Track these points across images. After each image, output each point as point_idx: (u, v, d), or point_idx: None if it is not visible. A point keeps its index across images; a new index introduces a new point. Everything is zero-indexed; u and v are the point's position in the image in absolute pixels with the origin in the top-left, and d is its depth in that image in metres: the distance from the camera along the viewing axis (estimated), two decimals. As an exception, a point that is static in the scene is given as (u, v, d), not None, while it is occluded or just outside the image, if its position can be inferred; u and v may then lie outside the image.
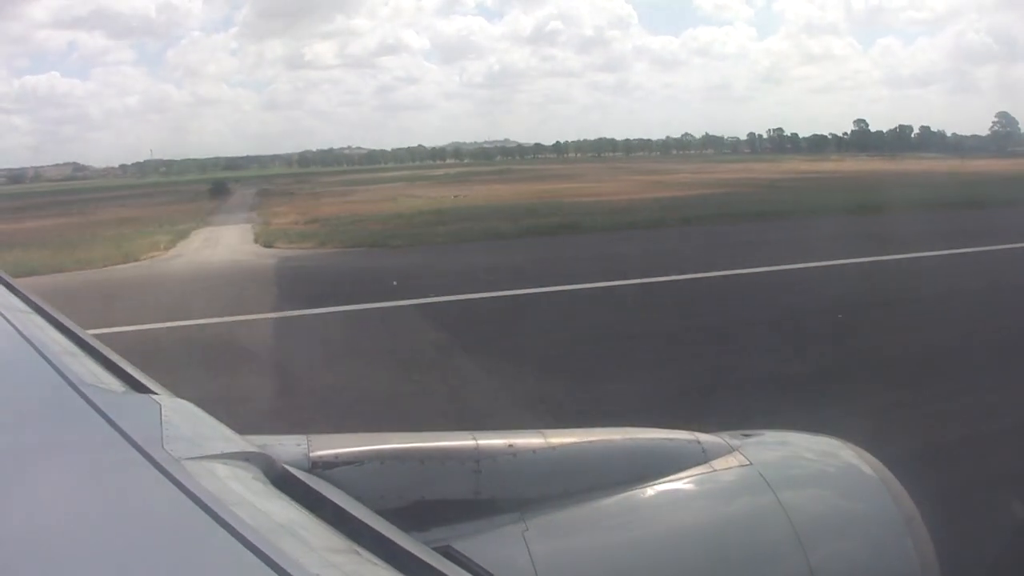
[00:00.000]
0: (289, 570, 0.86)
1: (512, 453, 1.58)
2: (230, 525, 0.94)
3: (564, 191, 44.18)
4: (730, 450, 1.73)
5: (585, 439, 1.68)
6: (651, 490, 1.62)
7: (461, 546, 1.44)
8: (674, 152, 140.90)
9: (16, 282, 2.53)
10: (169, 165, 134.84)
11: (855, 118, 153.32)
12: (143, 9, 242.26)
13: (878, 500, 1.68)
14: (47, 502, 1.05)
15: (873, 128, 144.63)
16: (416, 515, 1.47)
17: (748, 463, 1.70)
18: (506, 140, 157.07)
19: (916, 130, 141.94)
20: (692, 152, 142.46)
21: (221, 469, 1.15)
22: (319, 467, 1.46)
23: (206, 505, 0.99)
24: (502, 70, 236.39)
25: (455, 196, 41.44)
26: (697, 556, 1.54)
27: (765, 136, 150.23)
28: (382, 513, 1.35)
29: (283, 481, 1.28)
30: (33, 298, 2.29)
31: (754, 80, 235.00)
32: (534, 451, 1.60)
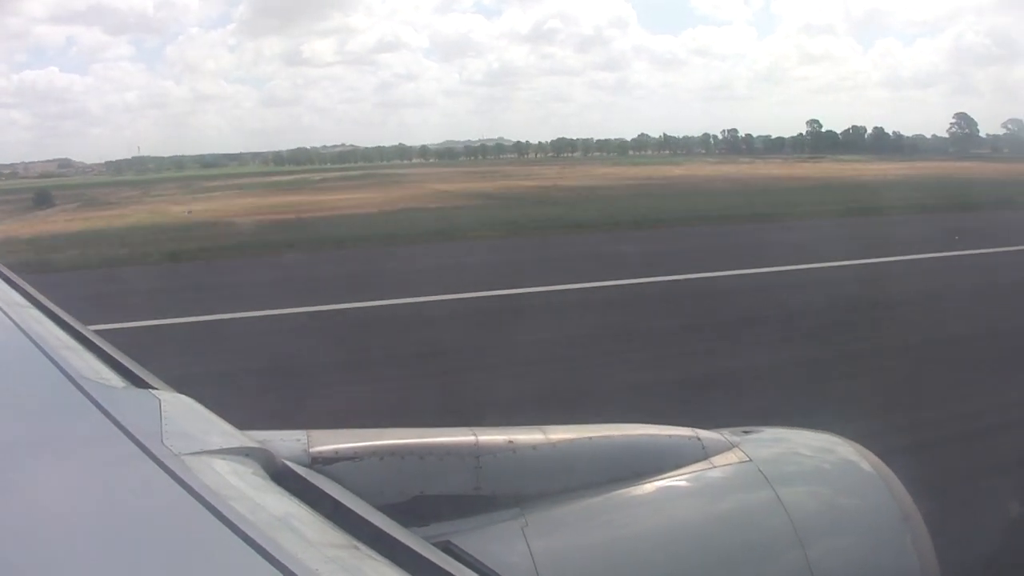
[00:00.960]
0: (288, 565, 0.86)
1: (512, 449, 1.58)
2: (229, 520, 0.94)
3: (322, 203, 36.69)
4: (730, 446, 1.73)
5: (584, 435, 1.68)
6: (650, 486, 1.62)
7: (461, 541, 1.44)
8: (631, 153, 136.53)
9: (16, 277, 2.52)
10: (157, 161, 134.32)
11: (808, 119, 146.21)
12: (140, 5, 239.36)
13: (877, 496, 1.69)
14: (46, 496, 1.05)
15: (850, 128, 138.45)
16: (416, 510, 1.47)
17: (747, 459, 1.70)
18: (500, 138, 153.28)
19: (869, 131, 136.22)
20: (649, 153, 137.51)
21: (221, 464, 1.15)
22: (319, 463, 1.46)
23: (205, 500, 0.99)
24: (501, 68, 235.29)
25: (188, 211, 35.70)
26: (696, 551, 1.54)
27: (720, 137, 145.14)
28: (382, 508, 1.35)
29: (283, 476, 1.28)
30: (33, 292, 2.28)
31: (753, 80, 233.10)
32: (534, 447, 1.60)
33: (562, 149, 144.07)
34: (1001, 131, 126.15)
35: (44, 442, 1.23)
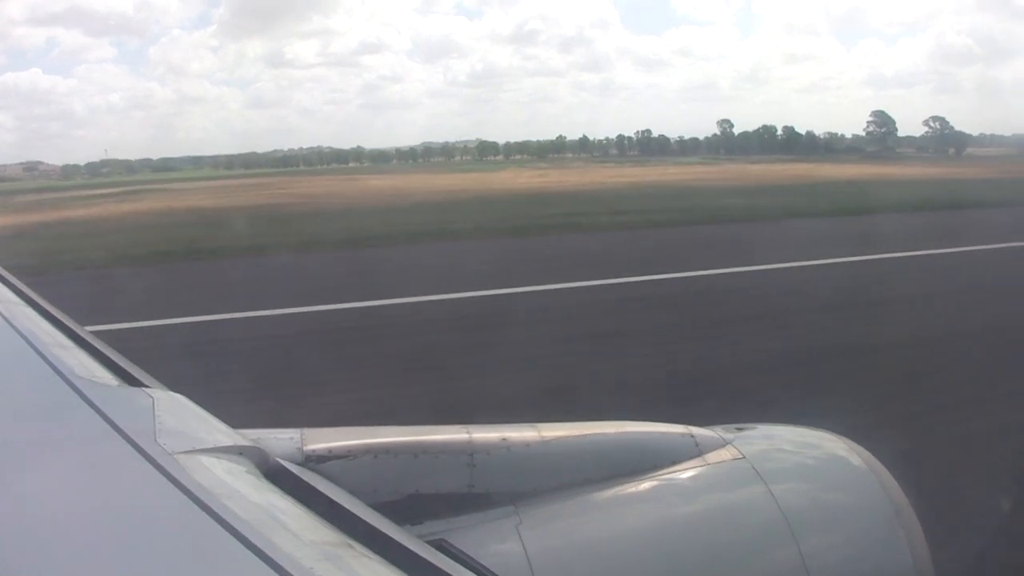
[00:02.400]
0: (282, 564, 0.86)
1: (506, 447, 1.58)
2: (223, 519, 0.94)
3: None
4: (723, 443, 1.74)
5: (578, 433, 1.68)
6: (644, 483, 1.63)
7: (455, 539, 1.44)
8: (551, 156, 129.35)
9: (9, 275, 2.51)
10: (125, 164, 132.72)
11: (719, 118, 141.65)
12: (119, 7, 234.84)
13: (870, 492, 1.69)
14: (39, 495, 1.04)
15: (762, 128, 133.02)
16: (410, 508, 1.47)
17: (741, 456, 1.71)
18: (478, 139, 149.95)
19: (779, 131, 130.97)
20: (568, 155, 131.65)
21: (214, 463, 1.15)
22: (312, 461, 1.46)
23: (199, 499, 0.98)
24: (484, 69, 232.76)
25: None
26: (690, 548, 1.55)
27: (634, 137, 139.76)
28: (375, 506, 1.35)
29: (276, 475, 1.28)
30: (26, 290, 2.27)
31: (737, 80, 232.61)
32: (527, 444, 1.60)
33: (485, 152, 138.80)
34: (923, 130, 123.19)
35: (37, 440, 1.22)
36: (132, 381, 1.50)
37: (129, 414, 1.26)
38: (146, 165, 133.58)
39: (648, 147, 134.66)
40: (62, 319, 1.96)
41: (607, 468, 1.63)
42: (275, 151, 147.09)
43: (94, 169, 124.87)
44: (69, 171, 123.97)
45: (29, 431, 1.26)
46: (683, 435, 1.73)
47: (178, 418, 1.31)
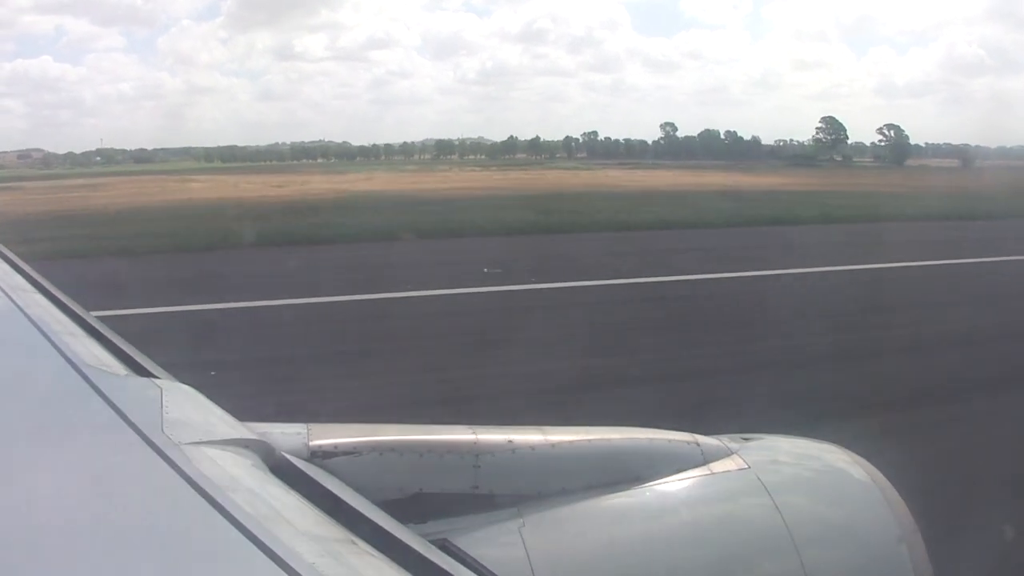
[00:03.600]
0: (285, 558, 0.86)
1: (511, 449, 1.58)
2: (227, 511, 0.94)
3: None
4: (728, 453, 1.73)
5: (584, 438, 1.68)
6: (648, 490, 1.62)
7: (458, 540, 1.44)
8: (505, 157, 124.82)
9: (20, 262, 2.53)
10: (122, 154, 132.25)
11: (663, 121, 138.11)
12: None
13: (874, 506, 1.68)
14: (46, 482, 1.04)
15: (705, 131, 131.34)
16: (414, 507, 1.46)
17: (746, 466, 1.70)
18: (480, 137, 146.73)
19: (722, 135, 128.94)
20: (521, 156, 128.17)
21: (220, 455, 1.15)
22: (318, 456, 1.46)
23: (204, 491, 0.98)
24: (495, 67, 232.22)
25: None
26: (692, 557, 1.54)
27: (581, 139, 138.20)
28: (380, 504, 1.35)
29: (282, 469, 1.27)
30: (37, 278, 2.28)
31: (748, 84, 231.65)
32: (533, 448, 1.60)
33: (442, 151, 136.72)
34: (876, 137, 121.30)
35: (45, 428, 1.22)
36: (141, 371, 1.50)
37: (137, 404, 1.26)
38: (141, 155, 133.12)
39: (594, 149, 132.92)
40: (73, 307, 1.96)
41: (612, 474, 1.62)
42: (276, 144, 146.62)
43: (89, 158, 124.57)
44: (62, 159, 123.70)
45: (38, 418, 1.27)
46: (689, 443, 1.73)
47: (185, 409, 1.30)
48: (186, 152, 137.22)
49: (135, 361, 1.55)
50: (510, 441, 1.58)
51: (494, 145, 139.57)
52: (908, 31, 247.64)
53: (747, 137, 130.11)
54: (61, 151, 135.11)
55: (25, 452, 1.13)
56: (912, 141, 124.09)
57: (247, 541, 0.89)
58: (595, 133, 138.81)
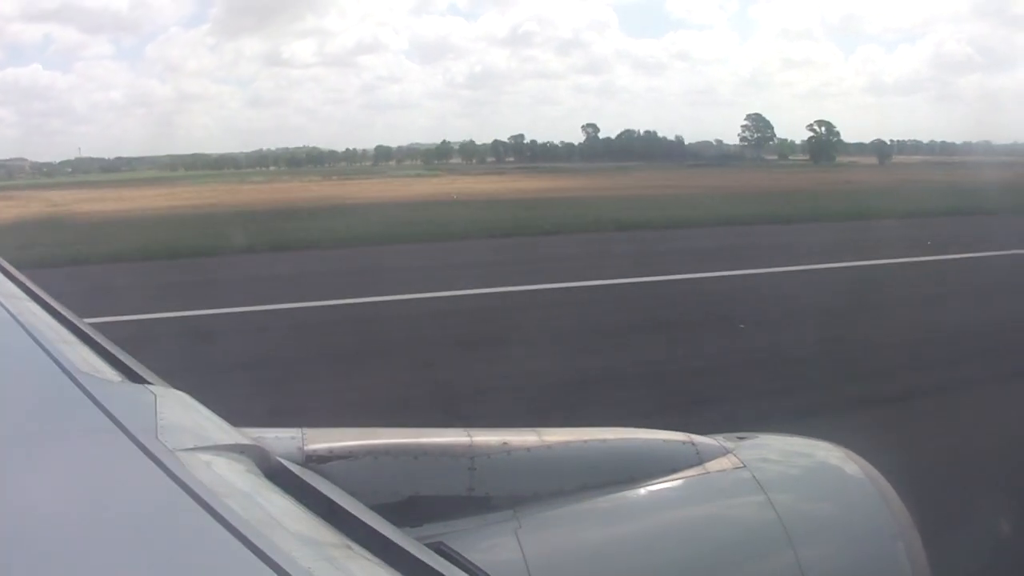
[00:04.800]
0: (281, 563, 0.86)
1: (506, 451, 1.58)
2: (222, 517, 0.94)
3: None
4: (724, 452, 1.74)
5: (580, 438, 1.68)
6: (644, 490, 1.62)
7: (454, 542, 1.44)
8: (436, 163, 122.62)
9: (13, 269, 2.51)
10: (100, 163, 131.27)
11: (584, 123, 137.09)
12: (113, 4, 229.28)
13: (870, 504, 1.69)
14: (39, 490, 1.04)
15: (624, 133, 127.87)
16: (409, 511, 1.47)
17: (742, 465, 1.70)
18: (468, 141, 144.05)
19: (640, 134, 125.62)
20: (454, 161, 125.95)
21: (215, 461, 1.15)
22: (313, 461, 1.46)
23: (199, 496, 0.98)
24: (483, 71, 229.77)
25: None
26: (689, 557, 1.55)
27: (508, 142, 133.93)
28: (375, 508, 1.35)
29: (277, 474, 1.27)
30: (30, 285, 2.27)
31: (737, 84, 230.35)
32: (528, 449, 1.60)
33: (382, 157, 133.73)
34: (807, 135, 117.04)
35: (38, 435, 1.22)
36: (134, 377, 1.50)
37: (131, 410, 1.26)
38: (109, 165, 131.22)
39: (521, 152, 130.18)
40: (65, 314, 1.95)
41: (607, 474, 1.62)
42: (259, 150, 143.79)
43: (61, 168, 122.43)
44: (38, 169, 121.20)
45: (31, 426, 1.26)
46: (684, 443, 1.73)
47: (180, 415, 1.30)
48: (152, 162, 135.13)
49: (129, 368, 1.55)
50: (505, 443, 1.59)
51: (429, 150, 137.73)
52: (895, 29, 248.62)
53: (671, 137, 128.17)
54: (47, 160, 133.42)
55: (19, 460, 1.13)
56: (889, 139, 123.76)
57: (242, 547, 0.88)
58: (521, 136, 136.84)
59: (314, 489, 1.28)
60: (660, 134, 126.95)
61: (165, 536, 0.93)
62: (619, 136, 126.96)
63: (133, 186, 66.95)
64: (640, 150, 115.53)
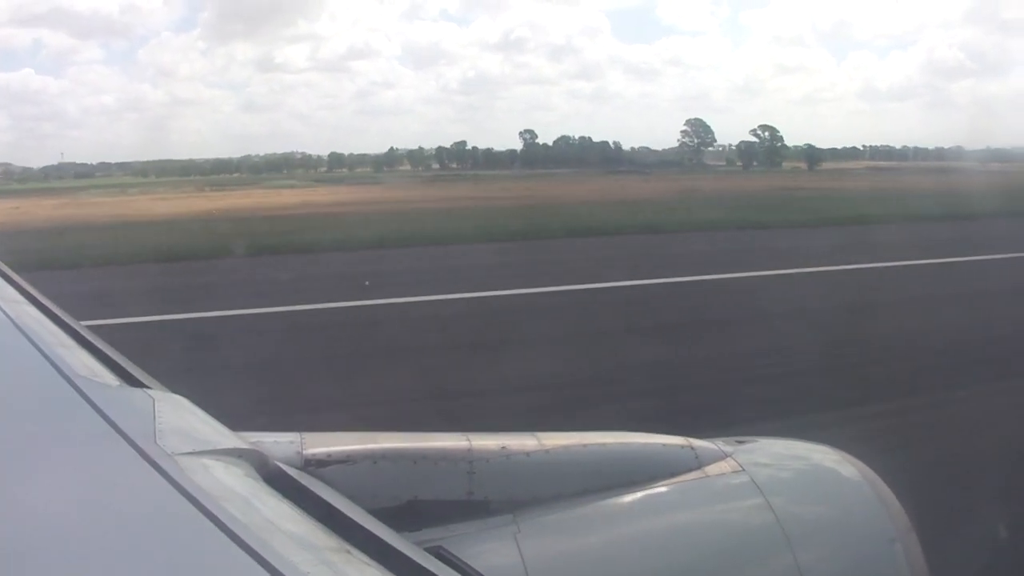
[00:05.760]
0: (279, 568, 0.86)
1: (505, 455, 1.59)
2: (221, 522, 0.94)
3: None
4: (723, 456, 1.74)
5: (578, 442, 1.69)
6: (643, 494, 1.63)
7: (453, 546, 1.44)
8: (386, 169, 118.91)
9: (12, 273, 2.51)
10: (83, 168, 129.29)
11: (522, 129, 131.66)
12: (103, 9, 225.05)
13: (868, 507, 1.70)
14: (37, 495, 1.04)
15: (560, 139, 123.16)
16: (408, 515, 1.47)
17: (741, 469, 1.71)
18: (417, 148, 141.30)
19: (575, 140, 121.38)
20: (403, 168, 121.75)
21: (213, 465, 1.15)
22: (312, 465, 1.46)
23: (197, 501, 0.98)
24: (477, 76, 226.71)
25: None
26: (688, 561, 1.55)
27: (451, 148, 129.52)
28: (374, 512, 1.34)
29: (275, 478, 1.28)
30: (29, 289, 2.28)
31: (730, 90, 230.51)
32: (527, 453, 1.61)
33: (333, 164, 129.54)
34: (751, 139, 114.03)
35: (37, 439, 1.22)
36: (133, 381, 1.50)
37: (129, 414, 1.26)
38: (95, 170, 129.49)
39: (462, 158, 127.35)
40: (64, 318, 1.95)
41: (606, 478, 1.62)
42: (247, 156, 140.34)
43: (46, 173, 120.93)
44: (19, 174, 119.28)
45: (29, 430, 1.26)
46: (683, 447, 1.74)
47: (178, 420, 1.30)
48: (127, 167, 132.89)
49: (127, 372, 1.54)
50: (504, 447, 1.59)
51: (378, 156, 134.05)
52: (887, 35, 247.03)
53: (610, 143, 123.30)
54: (36, 165, 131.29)
55: (17, 464, 1.12)
56: (865, 144, 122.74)
57: (241, 551, 0.88)
58: (464, 143, 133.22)
59: (313, 493, 1.28)
60: (595, 139, 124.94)
61: (164, 540, 0.93)
62: (555, 142, 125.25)
63: (73, 193, 65.30)
64: (576, 156, 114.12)
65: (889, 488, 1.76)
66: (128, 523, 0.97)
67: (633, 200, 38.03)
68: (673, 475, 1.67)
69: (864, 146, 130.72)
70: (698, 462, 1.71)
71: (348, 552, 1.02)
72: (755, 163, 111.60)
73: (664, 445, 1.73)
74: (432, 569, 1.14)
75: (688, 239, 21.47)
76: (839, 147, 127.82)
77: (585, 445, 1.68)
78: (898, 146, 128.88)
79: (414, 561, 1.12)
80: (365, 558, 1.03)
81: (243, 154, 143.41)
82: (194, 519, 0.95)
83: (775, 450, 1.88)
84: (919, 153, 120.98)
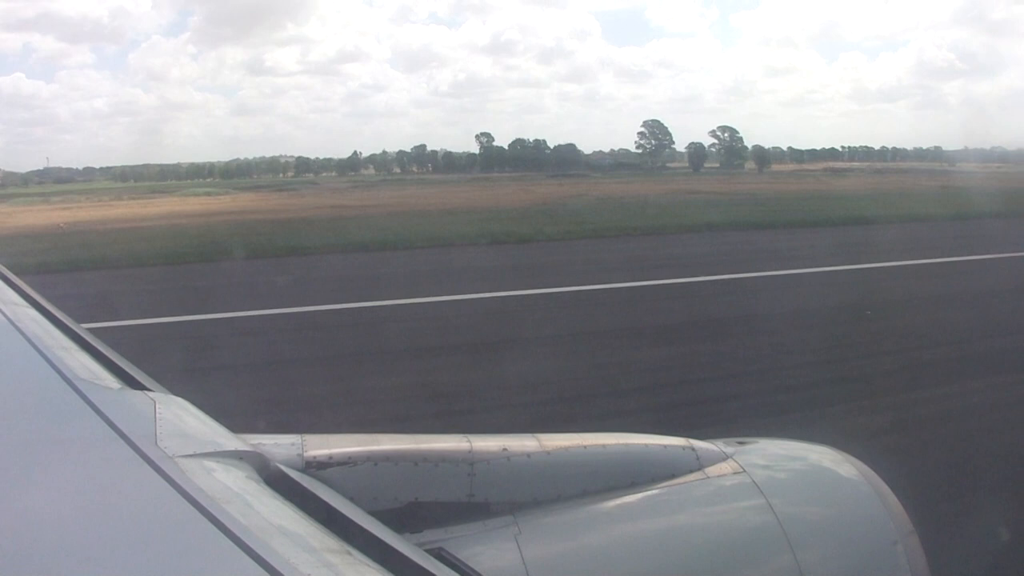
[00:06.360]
0: (281, 570, 0.86)
1: (506, 456, 1.58)
2: (223, 523, 0.94)
3: None
4: (724, 457, 1.74)
5: (579, 444, 1.68)
6: (644, 495, 1.62)
7: (454, 548, 1.43)
8: (351, 174, 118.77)
9: (13, 276, 2.51)
10: (69, 173, 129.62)
11: (479, 132, 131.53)
12: (93, 13, 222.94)
13: (869, 508, 1.69)
14: (40, 497, 1.04)
15: (516, 142, 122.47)
16: (409, 517, 1.46)
17: (741, 470, 1.71)
18: (381, 152, 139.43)
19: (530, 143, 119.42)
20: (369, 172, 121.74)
21: (215, 467, 1.15)
22: (313, 467, 1.46)
23: (199, 503, 0.98)
24: (467, 79, 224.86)
25: None
26: (688, 562, 1.54)
27: (410, 151, 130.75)
28: (375, 514, 1.35)
29: (277, 480, 1.27)
30: (30, 292, 2.28)
31: (722, 92, 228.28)
32: (528, 455, 1.60)
33: (303, 168, 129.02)
34: (710, 141, 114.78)
35: (38, 442, 1.22)
36: (134, 384, 1.50)
37: (131, 417, 1.26)
38: (75, 175, 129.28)
39: (423, 161, 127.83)
40: (65, 321, 1.95)
41: (607, 480, 1.62)
42: (236, 159, 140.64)
43: (26, 179, 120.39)
44: (2, 179, 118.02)
45: (31, 432, 1.26)
46: (684, 448, 1.73)
47: (179, 422, 1.30)
48: (107, 172, 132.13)
49: (128, 374, 1.54)
50: (505, 449, 1.59)
51: (342, 161, 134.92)
52: (877, 36, 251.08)
53: (574, 146, 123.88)
54: (22, 170, 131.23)
55: (20, 467, 1.12)
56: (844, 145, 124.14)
57: (242, 553, 0.88)
58: (423, 146, 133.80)
59: (314, 495, 1.27)
60: (551, 143, 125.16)
61: (165, 542, 0.93)
62: (510, 145, 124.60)
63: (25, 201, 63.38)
64: (531, 159, 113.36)
65: (891, 489, 1.75)
66: (129, 525, 0.97)
67: (469, 208, 35.84)
68: (674, 476, 1.67)
69: (843, 147, 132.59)
70: (699, 463, 1.71)
71: (349, 553, 1.02)
72: (705, 164, 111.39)
73: (665, 446, 1.73)
74: (433, 570, 1.13)
75: (423, 256, 19.29)
76: (819, 148, 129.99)
77: (585, 446, 1.67)
78: (877, 147, 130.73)
79: (415, 562, 1.12)
80: (366, 559, 1.03)
81: (231, 158, 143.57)
82: (195, 521, 0.95)
83: (776, 451, 1.88)
84: (898, 154, 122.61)
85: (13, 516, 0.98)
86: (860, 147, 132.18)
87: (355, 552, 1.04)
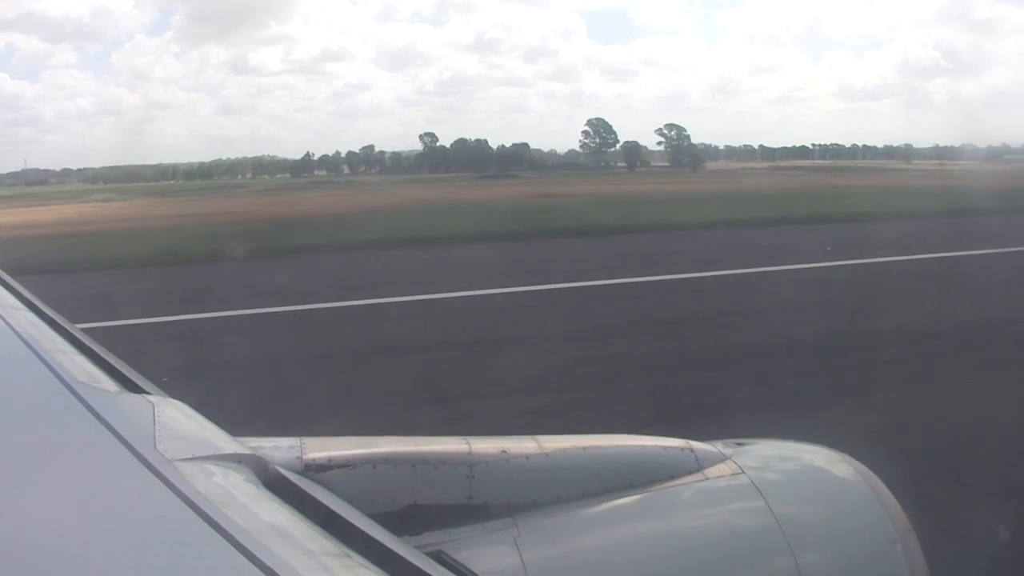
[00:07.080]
0: (280, 573, 0.86)
1: (505, 459, 1.57)
2: (221, 527, 0.94)
3: None
4: (723, 458, 1.74)
5: (578, 446, 1.68)
6: (643, 497, 1.62)
7: (453, 550, 1.43)
8: (304, 175, 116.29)
9: (11, 279, 2.51)
10: (46, 174, 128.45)
11: (422, 132, 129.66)
12: (74, 13, 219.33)
13: (869, 509, 1.69)
14: (38, 501, 1.04)
15: (459, 141, 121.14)
16: (408, 519, 1.46)
17: (740, 471, 1.71)
18: (335, 153, 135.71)
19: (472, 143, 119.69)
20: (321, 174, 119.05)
21: (213, 470, 1.15)
22: (312, 470, 1.45)
23: (198, 506, 0.98)
24: (452, 77, 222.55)
25: None
26: (688, 563, 1.54)
27: (358, 152, 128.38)
28: (374, 517, 1.34)
29: (275, 483, 1.27)
30: (28, 295, 2.28)
31: (706, 91, 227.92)
32: (527, 457, 1.60)
33: (259, 170, 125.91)
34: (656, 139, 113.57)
35: (37, 446, 1.22)
36: (132, 387, 1.50)
37: (129, 420, 1.26)
38: (50, 176, 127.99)
39: (372, 162, 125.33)
40: (63, 324, 1.95)
41: (606, 481, 1.62)
42: (217, 160, 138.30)
43: (3, 180, 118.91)
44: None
45: (29, 435, 1.26)
46: (683, 449, 1.73)
47: (178, 425, 1.30)
48: (81, 174, 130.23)
49: (126, 377, 1.54)
50: (504, 451, 1.58)
51: (295, 162, 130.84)
52: (861, 34, 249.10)
53: (523, 146, 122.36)
54: (2, 171, 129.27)
55: (17, 471, 1.12)
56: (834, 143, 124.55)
57: (241, 557, 0.88)
58: (372, 147, 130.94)
59: (313, 498, 1.27)
60: (492, 143, 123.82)
61: (164, 546, 0.93)
62: (453, 145, 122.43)
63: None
64: (474, 160, 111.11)
65: (888, 489, 1.76)
66: (128, 529, 0.97)
67: (338, 214, 32.88)
68: (673, 478, 1.67)
69: (814, 145, 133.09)
70: (698, 464, 1.71)
71: (348, 556, 1.02)
72: (639, 164, 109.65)
73: (663, 448, 1.73)
74: (432, 573, 1.14)
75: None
76: (791, 146, 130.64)
77: (584, 448, 1.67)
78: (848, 144, 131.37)
79: (414, 565, 1.12)
80: (365, 562, 1.03)
81: (213, 158, 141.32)
82: (194, 524, 0.95)
83: (775, 452, 1.88)
84: (868, 151, 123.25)
85: (12, 520, 0.98)
86: (831, 145, 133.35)
87: (354, 555, 1.04)
